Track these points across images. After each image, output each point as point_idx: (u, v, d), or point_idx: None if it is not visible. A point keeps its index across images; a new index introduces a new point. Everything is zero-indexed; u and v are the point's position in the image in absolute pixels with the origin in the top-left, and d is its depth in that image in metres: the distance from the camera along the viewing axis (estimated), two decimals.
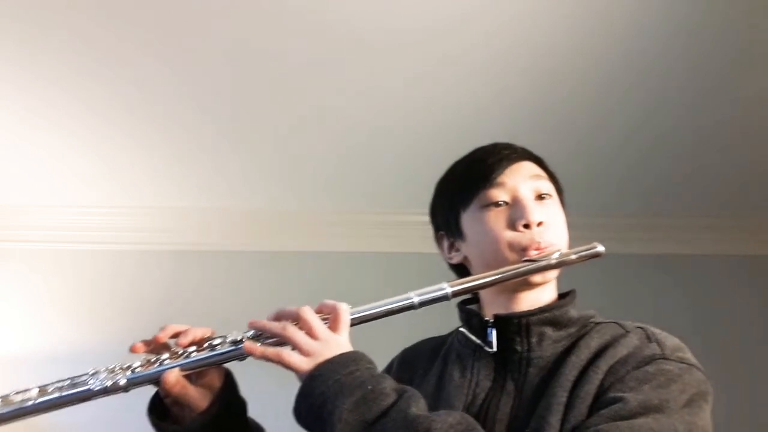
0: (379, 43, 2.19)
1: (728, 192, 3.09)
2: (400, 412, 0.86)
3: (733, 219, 3.27)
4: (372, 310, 0.99)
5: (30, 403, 0.91)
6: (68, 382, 0.94)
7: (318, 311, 0.97)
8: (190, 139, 2.65)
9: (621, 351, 0.97)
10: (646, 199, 3.12)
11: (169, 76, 2.32)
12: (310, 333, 0.93)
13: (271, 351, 0.92)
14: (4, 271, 3.02)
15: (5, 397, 0.92)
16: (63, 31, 2.10)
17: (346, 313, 0.96)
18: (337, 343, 0.93)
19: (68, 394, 0.93)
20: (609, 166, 2.84)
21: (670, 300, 3.18)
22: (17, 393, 0.92)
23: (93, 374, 0.94)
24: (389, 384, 0.90)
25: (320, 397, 0.88)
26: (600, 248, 1.06)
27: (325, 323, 0.95)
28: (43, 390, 0.93)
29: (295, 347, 0.92)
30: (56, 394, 0.93)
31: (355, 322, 0.97)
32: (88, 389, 0.93)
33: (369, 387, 0.88)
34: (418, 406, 0.88)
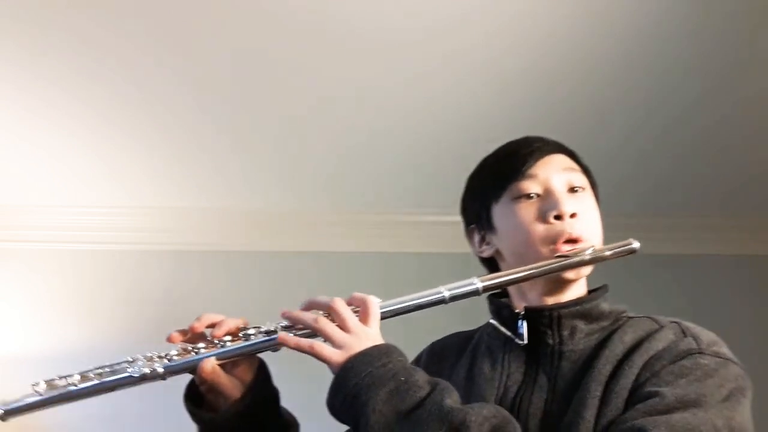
0: (379, 43, 2.19)
1: (728, 192, 3.08)
2: (434, 404, 0.86)
3: (733, 219, 3.27)
4: (402, 304, 0.99)
5: (73, 388, 0.94)
6: (108, 369, 0.96)
7: (348, 303, 0.97)
8: (190, 139, 2.65)
9: (656, 345, 0.96)
10: (646, 199, 3.12)
11: (169, 76, 2.32)
12: (342, 325, 0.93)
13: (305, 342, 0.93)
14: (4, 271, 3.02)
15: (50, 382, 0.95)
16: (63, 31, 2.10)
17: (375, 306, 0.96)
18: (368, 335, 0.93)
19: (108, 381, 0.95)
20: (609, 166, 2.83)
21: (670, 300, 3.18)
22: (61, 378, 0.95)
23: (131, 362, 0.96)
24: (422, 376, 0.90)
25: (354, 388, 0.88)
26: (635, 244, 1.05)
27: (356, 315, 0.95)
28: (84, 376, 0.95)
29: (328, 339, 0.93)
30: (96, 381, 0.95)
31: (385, 316, 0.98)
32: (129, 376, 0.95)
33: (402, 378, 0.88)
34: (452, 397, 0.88)
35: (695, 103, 2.49)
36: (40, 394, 0.94)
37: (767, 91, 2.44)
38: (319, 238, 3.15)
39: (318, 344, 0.93)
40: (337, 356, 0.91)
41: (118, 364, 0.97)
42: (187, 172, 2.86)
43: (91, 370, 0.96)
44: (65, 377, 0.95)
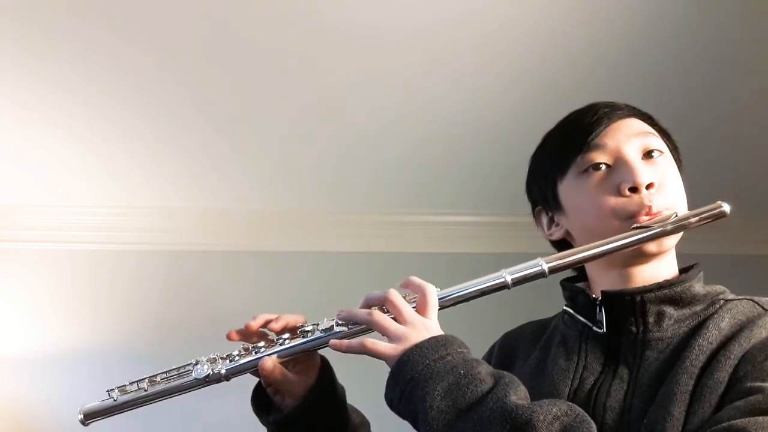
0: (379, 43, 2.19)
1: (728, 192, 3.08)
2: (497, 401, 0.78)
3: (733, 219, 3.27)
4: (461, 291, 0.93)
5: (143, 393, 0.97)
6: (174, 372, 0.98)
7: (405, 286, 0.93)
8: (190, 139, 2.65)
9: (759, 333, 0.85)
10: None
11: (169, 76, 2.32)
12: (398, 317, 0.88)
13: (355, 343, 0.89)
14: (3, 271, 3.01)
15: (122, 388, 0.98)
16: (64, 32, 2.10)
17: (433, 294, 0.91)
18: (425, 326, 0.87)
19: (174, 385, 0.97)
20: None
21: None
22: (131, 383, 0.98)
23: (195, 364, 0.97)
24: (484, 369, 0.83)
25: (410, 383, 0.82)
26: (725, 207, 0.95)
27: (413, 306, 0.90)
28: (152, 380, 0.98)
29: (383, 333, 0.88)
30: (163, 385, 0.97)
31: (445, 305, 0.92)
32: (193, 379, 0.96)
33: (461, 372, 0.81)
34: (518, 393, 0.81)
35: (695, 103, 2.49)
36: (114, 399, 0.97)
37: (766, 91, 2.44)
38: (319, 238, 3.15)
39: (370, 341, 0.87)
40: (392, 350, 0.85)
41: (183, 367, 0.98)
42: (187, 172, 2.86)
43: (159, 374, 0.98)
44: (135, 382, 0.98)
